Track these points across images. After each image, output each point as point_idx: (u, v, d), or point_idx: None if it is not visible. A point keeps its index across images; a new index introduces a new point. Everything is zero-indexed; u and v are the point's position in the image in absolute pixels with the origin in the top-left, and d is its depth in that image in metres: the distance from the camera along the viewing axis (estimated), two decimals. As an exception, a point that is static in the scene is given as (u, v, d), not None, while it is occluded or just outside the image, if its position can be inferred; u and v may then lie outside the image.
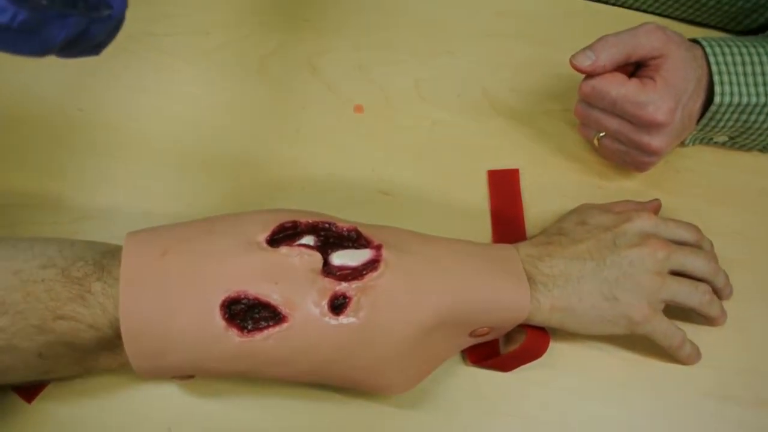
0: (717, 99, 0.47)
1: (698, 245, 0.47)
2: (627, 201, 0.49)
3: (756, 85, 0.47)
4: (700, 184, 0.54)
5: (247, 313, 0.36)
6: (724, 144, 0.54)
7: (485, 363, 0.45)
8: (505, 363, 0.44)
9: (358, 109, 0.54)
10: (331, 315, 0.36)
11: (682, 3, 0.58)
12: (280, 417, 0.42)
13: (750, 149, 0.54)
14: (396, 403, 0.43)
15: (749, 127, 0.50)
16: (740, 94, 0.47)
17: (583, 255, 0.43)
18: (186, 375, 0.39)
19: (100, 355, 0.38)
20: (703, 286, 0.45)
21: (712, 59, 0.47)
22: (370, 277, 0.37)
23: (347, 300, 0.37)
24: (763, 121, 0.49)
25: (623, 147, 0.49)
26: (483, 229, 0.50)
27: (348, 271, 0.37)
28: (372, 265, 0.38)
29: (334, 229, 0.39)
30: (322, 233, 0.39)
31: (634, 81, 0.46)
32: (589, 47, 0.46)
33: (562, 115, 0.55)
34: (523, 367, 0.44)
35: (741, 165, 0.54)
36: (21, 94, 0.51)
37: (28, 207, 0.47)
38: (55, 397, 0.41)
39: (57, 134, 0.50)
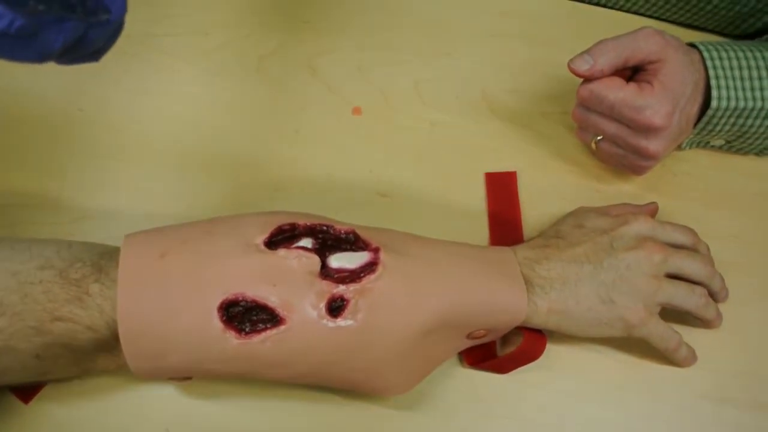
0: (714, 103, 0.47)
1: (695, 248, 0.47)
2: (624, 204, 0.50)
3: (753, 89, 0.48)
4: (696, 187, 0.54)
5: (245, 315, 0.36)
6: (720, 147, 0.54)
7: (482, 365, 0.45)
8: (502, 365, 0.45)
9: (357, 110, 0.54)
10: (328, 317, 0.36)
11: (680, 7, 0.58)
12: (277, 419, 0.42)
13: (746, 153, 0.55)
14: (393, 404, 0.43)
15: (746, 131, 0.50)
16: (737, 99, 0.47)
17: (580, 258, 0.43)
18: (184, 376, 0.39)
19: (97, 357, 0.38)
20: (699, 289, 0.45)
21: (709, 63, 0.48)
22: (368, 280, 0.37)
23: (345, 302, 0.37)
24: (760, 125, 0.49)
25: (621, 151, 0.49)
26: (480, 231, 0.50)
27: (346, 274, 0.38)
28: (370, 267, 0.38)
29: (332, 231, 0.39)
30: (320, 236, 0.39)
31: (632, 85, 0.46)
32: (587, 51, 0.46)
33: (561, 118, 0.56)
34: (520, 369, 0.45)
35: (738, 168, 0.55)
36: (21, 94, 0.51)
37: (27, 207, 0.47)
38: (53, 398, 0.41)
39: (57, 134, 0.50)
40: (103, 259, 0.37)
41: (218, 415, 0.42)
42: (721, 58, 0.48)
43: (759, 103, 0.48)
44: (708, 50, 0.48)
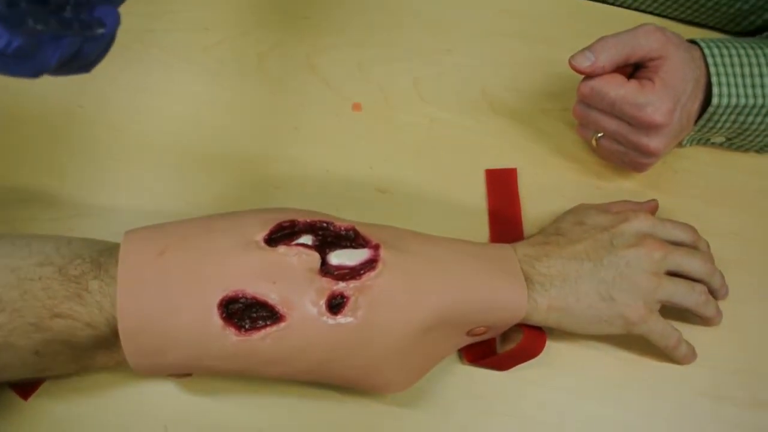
0: (715, 100, 0.47)
1: (695, 246, 0.47)
2: (624, 201, 0.49)
3: (754, 86, 0.47)
4: (697, 184, 0.54)
5: (245, 312, 0.36)
6: (721, 145, 0.54)
7: (482, 362, 0.45)
8: (502, 362, 0.45)
9: (357, 107, 0.54)
10: (328, 314, 0.36)
11: (681, 3, 0.58)
12: (277, 416, 0.42)
13: (747, 150, 0.54)
14: (393, 401, 0.43)
15: (746, 129, 0.50)
16: (738, 96, 0.47)
17: (580, 255, 0.43)
18: (183, 373, 0.39)
19: (96, 353, 0.38)
20: (699, 287, 0.45)
21: (710, 60, 0.48)
22: (368, 277, 0.37)
23: (345, 300, 0.37)
24: (761, 123, 0.49)
25: (621, 148, 0.49)
26: (480, 228, 0.50)
27: (346, 271, 0.37)
28: (370, 264, 0.38)
29: (332, 228, 0.39)
30: (320, 233, 0.39)
31: (633, 82, 0.46)
32: (589, 48, 0.46)
33: (561, 115, 0.55)
34: (519, 366, 0.45)
35: (738, 166, 0.55)
36: (21, 91, 0.51)
37: (27, 203, 0.47)
38: (52, 394, 0.41)
39: (57, 131, 0.50)
40: (103, 255, 0.37)
41: (217, 412, 0.42)
42: (722, 55, 0.48)
43: (760, 101, 0.48)
44: (709, 47, 0.48)
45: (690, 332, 0.46)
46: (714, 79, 0.47)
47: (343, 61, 0.56)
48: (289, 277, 0.36)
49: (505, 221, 0.50)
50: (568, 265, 0.43)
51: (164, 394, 0.42)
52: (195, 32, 0.56)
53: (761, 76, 0.48)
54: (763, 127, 0.50)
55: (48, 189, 0.48)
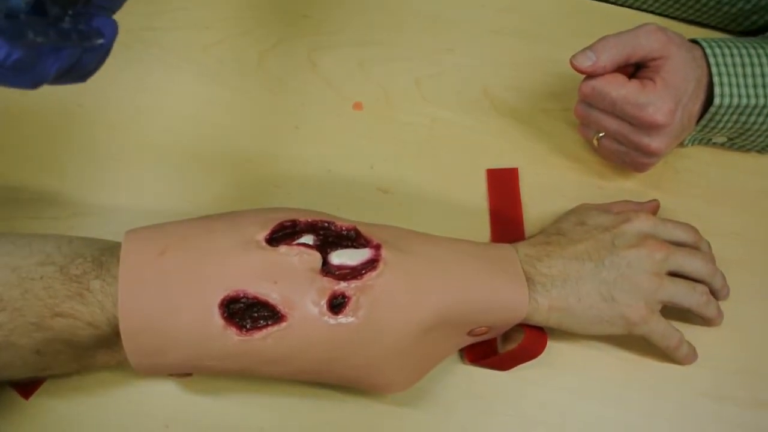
0: (717, 100, 0.47)
1: (696, 246, 0.47)
2: (626, 201, 0.49)
3: (756, 86, 0.47)
4: (698, 184, 0.54)
5: (246, 311, 0.36)
6: (723, 145, 0.54)
7: (483, 362, 0.45)
8: (503, 362, 0.45)
9: (358, 106, 0.54)
10: (329, 314, 0.36)
11: (683, 3, 0.58)
12: (278, 415, 0.42)
13: (749, 150, 0.54)
14: (393, 401, 0.43)
15: (748, 129, 0.50)
16: (740, 96, 0.47)
17: (581, 255, 0.43)
18: (184, 372, 0.39)
19: (97, 353, 0.38)
20: (700, 287, 0.45)
21: (712, 60, 0.47)
22: (369, 277, 0.37)
23: (346, 299, 0.37)
24: (762, 123, 0.49)
25: (623, 147, 0.49)
26: (481, 227, 0.50)
27: (347, 271, 0.37)
28: (371, 264, 0.38)
29: (333, 228, 0.39)
30: (322, 232, 0.39)
31: (634, 82, 0.46)
32: (590, 48, 0.46)
33: (562, 115, 0.55)
34: (520, 366, 0.44)
35: (740, 166, 0.55)
36: (21, 90, 0.51)
37: (27, 202, 0.47)
38: (53, 393, 0.41)
39: (56, 130, 0.50)
40: (104, 255, 0.37)
41: (218, 412, 0.42)
42: (723, 55, 0.48)
43: (762, 100, 0.47)
44: (711, 47, 0.48)
45: (691, 333, 0.46)
46: (716, 79, 0.47)
47: (344, 60, 0.56)
48: (290, 277, 0.36)
49: (506, 221, 0.50)
50: (569, 265, 0.43)
51: (165, 393, 0.42)
52: (195, 31, 0.55)
53: (763, 76, 0.47)
54: (765, 127, 0.49)
55: (48, 188, 0.48)
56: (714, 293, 0.46)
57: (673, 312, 0.45)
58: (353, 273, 0.37)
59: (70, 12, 0.29)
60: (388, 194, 0.51)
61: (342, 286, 0.37)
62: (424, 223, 0.45)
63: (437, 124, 0.54)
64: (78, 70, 0.31)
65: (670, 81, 0.45)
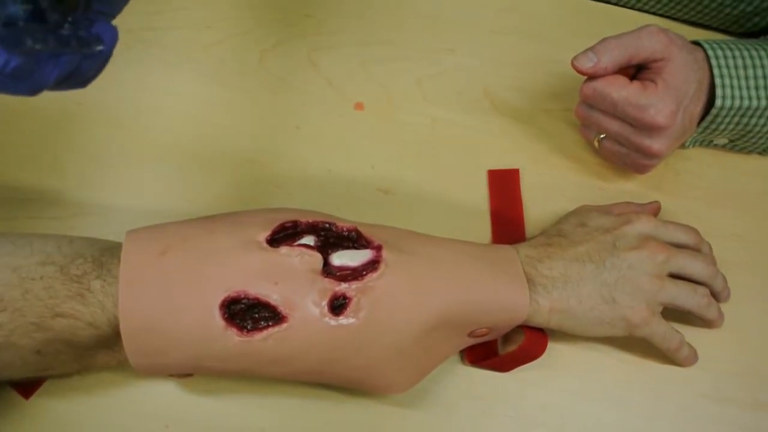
0: (718, 102, 0.47)
1: (697, 248, 0.47)
2: (627, 203, 0.49)
3: (757, 88, 0.47)
4: (699, 186, 0.54)
5: (247, 312, 0.36)
6: (724, 146, 0.54)
7: (483, 363, 0.45)
8: (504, 363, 0.45)
9: (359, 106, 0.54)
10: (330, 315, 0.36)
11: (685, 5, 0.58)
12: (278, 416, 0.42)
13: (750, 152, 0.54)
14: (394, 402, 0.43)
15: (750, 130, 0.50)
16: (741, 98, 0.47)
17: (582, 257, 0.43)
18: (185, 373, 0.39)
19: (98, 353, 0.38)
20: (701, 289, 0.45)
21: (713, 62, 0.47)
22: (370, 278, 0.37)
23: (347, 300, 0.37)
24: (764, 125, 0.49)
25: (624, 149, 0.49)
26: (482, 228, 0.50)
27: (348, 272, 0.37)
28: (372, 265, 0.38)
29: (334, 229, 0.39)
30: (323, 233, 0.39)
31: (636, 84, 0.46)
32: (591, 49, 0.46)
33: (563, 115, 0.55)
34: (521, 367, 0.44)
35: (741, 167, 0.55)
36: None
37: (27, 202, 0.47)
38: (53, 393, 0.41)
39: (57, 129, 0.50)
40: (105, 255, 0.37)
41: (219, 412, 0.42)
42: (725, 57, 0.48)
43: (763, 102, 0.47)
44: (712, 48, 0.48)
45: (692, 334, 0.46)
46: (717, 81, 0.47)
47: (345, 60, 0.56)
48: (291, 278, 0.36)
49: (507, 222, 0.50)
50: (570, 266, 0.43)
51: (165, 393, 0.42)
52: (196, 31, 0.55)
53: (765, 77, 0.47)
54: (766, 129, 0.49)
55: (48, 188, 0.48)
56: (715, 295, 0.46)
57: (673, 314, 0.45)
58: (354, 274, 0.37)
59: (69, 18, 0.29)
60: (389, 195, 0.51)
61: (343, 287, 0.37)
62: (424, 223, 0.45)
63: (438, 124, 0.54)
64: (77, 77, 0.30)
65: (672, 83, 0.45)
